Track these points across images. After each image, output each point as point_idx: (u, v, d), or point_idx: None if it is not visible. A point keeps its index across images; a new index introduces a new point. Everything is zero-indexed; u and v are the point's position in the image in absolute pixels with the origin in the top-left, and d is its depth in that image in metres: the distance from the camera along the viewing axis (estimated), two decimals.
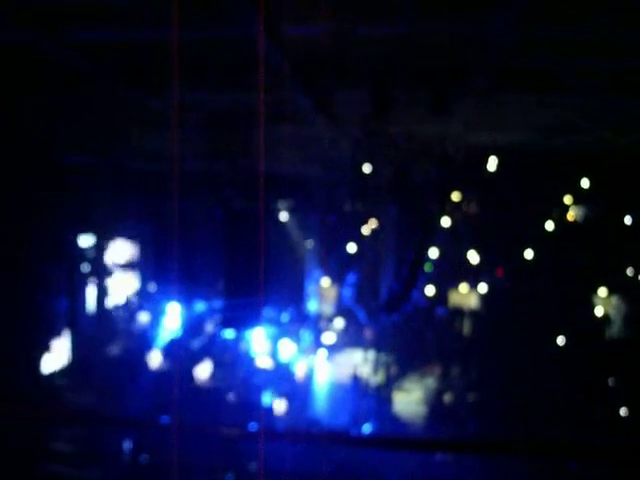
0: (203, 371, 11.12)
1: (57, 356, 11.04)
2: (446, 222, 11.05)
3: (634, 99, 6.98)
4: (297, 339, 12.03)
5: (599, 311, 11.31)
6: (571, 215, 11.35)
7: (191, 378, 10.90)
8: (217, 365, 11.47)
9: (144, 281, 13.15)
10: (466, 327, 12.21)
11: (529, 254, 11.17)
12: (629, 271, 10.98)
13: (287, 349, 11.75)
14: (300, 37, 5.30)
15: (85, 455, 7.86)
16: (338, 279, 12.54)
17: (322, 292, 12.83)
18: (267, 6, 4.20)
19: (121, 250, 12.89)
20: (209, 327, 12.18)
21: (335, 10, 4.66)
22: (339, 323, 12.60)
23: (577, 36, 5.35)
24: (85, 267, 12.08)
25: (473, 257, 11.47)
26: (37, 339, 10.61)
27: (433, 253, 11.26)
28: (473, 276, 11.72)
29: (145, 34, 5.29)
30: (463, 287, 11.92)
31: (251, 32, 4.82)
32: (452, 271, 11.70)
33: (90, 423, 7.59)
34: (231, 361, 11.61)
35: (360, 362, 11.92)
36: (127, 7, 4.72)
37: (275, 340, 11.79)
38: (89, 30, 5.25)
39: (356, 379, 11.64)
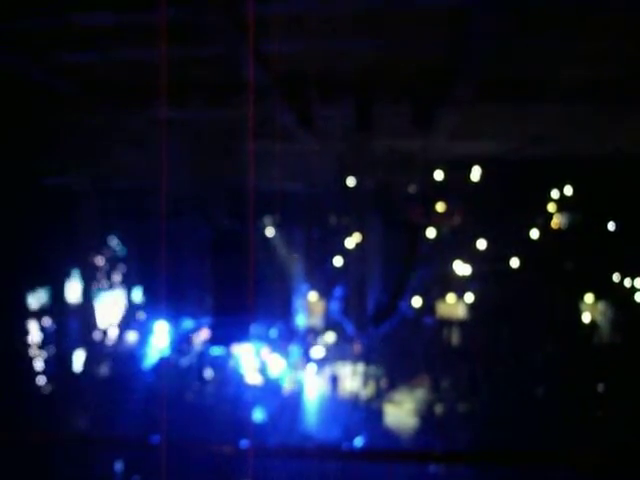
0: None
1: (44, 378, 10.97)
2: (431, 233, 11.08)
3: (615, 107, 7.06)
4: (286, 354, 12.01)
5: (586, 317, 11.37)
6: (555, 223, 11.42)
7: (180, 396, 10.85)
8: (207, 382, 11.43)
9: (132, 300, 13.10)
10: (454, 337, 12.23)
11: (515, 263, 11.21)
12: (615, 277, 11.05)
13: (276, 364, 11.72)
14: (284, 55, 5.32)
15: (77, 477, 7.81)
16: (326, 293, 12.54)
17: (310, 306, 12.81)
18: (250, 24, 4.22)
19: (108, 270, 12.84)
20: (198, 345, 12.14)
21: (317, 27, 4.69)
22: (328, 337, 12.59)
23: (557, 46, 5.40)
24: (72, 287, 12.03)
25: (459, 267, 11.51)
26: (22, 361, 10.54)
27: (419, 264, 11.29)
28: (460, 286, 11.75)
29: (127, 54, 5.30)
30: (450, 297, 11.94)
31: (234, 50, 4.84)
32: (439, 282, 11.73)
33: (80, 444, 7.53)
34: (220, 378, 11.57)
35: (350, 375, 11.90)
36: (109, 28, 4.73)
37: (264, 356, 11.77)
38: (72, 52, 5.25)
39: (345, 392, 11.63)
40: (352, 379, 11.87)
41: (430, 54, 5.67)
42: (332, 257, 11.89)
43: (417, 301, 11.68)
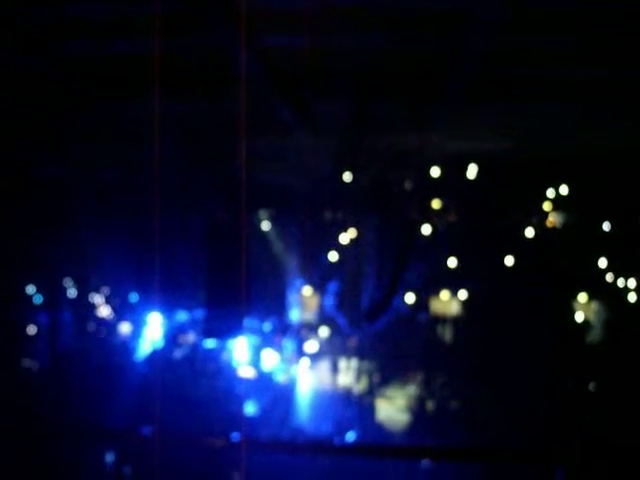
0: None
1: (37, 369, 10.98)
2: (426, 230, 11.09)
3: (611, 107, 7.07)
4: (279, 348, 12.01)
5: (579, 316, 11.39)
6: (550, 222, 11.43)
7: (173, 388, 10.85)
8: (199, 375, 11.43)
9: (124, 292, 13.07)
10: (447, 334, 12.25)
11: (509, 261, 11.22)
12: (608, 277, 11.07)
13: (269, 358, 11.73)
14: (280, 48, 5.33)
15: (66, 467, 7.81)
16: (320, 288, 12.53)
17: (304, 301, 12.81)
18: (246, 17, 4.22)
19: (101, 262, 12.81)
20: (191, 337, 12.14)
21: (314, 21, 4.69)
22: (322, 331, 12.60)
23: (553, 45, 5.41)
24: (65, 280, 12.03)
25: (454, 264, 11.51)
26: (16, 353, 10.54)
27: (414, 261, 11.29)
28: (454, 283, 11.76)
29: (122, 46, 5.29)
30: (444, 294, 11.95)
31: (230, 43, 4.84)
32: (433, 278, 11.73)
33: (71, 435, 7.54)
34: (213, 371, 11.58)
35: (343, 370, 11.92)
36: (103, 19, 4.72)
37: (257, 349, 11.77)
38: (65, 43, 5.24)
39: (337, 387, 11.65)
40: (345, 374, 11.89)
41: (427, 51, 5.68)
42: (327, 252, 11.88)
43: (411, 297, 11.69)
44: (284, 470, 6.82)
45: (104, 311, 12.79)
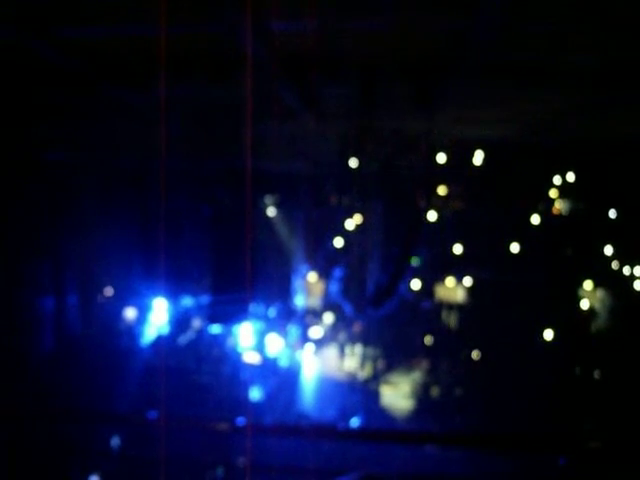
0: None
1: (42, 353, 11.02)
2: (432, 216, 11.08)
3: (618, 94, 7.03)
4: (284, 334, 12.04)
5: (585, 304, 11.38)
6: (556, 209, 11.41)
7: (178, 373, 10.90)
8: (204, 360, 11.47)
9: (130, 277, 13.09)
10: (452, 321, 12.26)
11: (515, 248, 11.22)
12: (614, 264, 11.05)
13: (274, 344, 11.76)
14: (286, 33, 5.29)
15: (73, 451, 7.86)
16: (325, 274, 12.55)
17: (309, 287, 12.83)
18: (253, 1, 4.20)
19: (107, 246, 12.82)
20: (196, 322, 12.17)
21: (321, 5, 4.66)
22: (326, 317, 12.62)
23: (562, 31, 5.37)
24: (72, 263, 12.05)
25: (459, 251, 11.51)
26: (21, 336, 10.58)
27: (419, 247, 11.29)
28: (459, 270, 11.76)
29: (128, 30, 5.27)
30: (449, 281, 11.96)
31: (237, 28, 4.82)
32: (439, 265, 11.74)
33: (77, 419, 7.57)
34: (218, 356, 11.62)
35: (347, 356, 11.95)
36: (110, 3, 4.70)
37: (262, 335, 11.80)
38: (72, 27, 5.22)
39: (342, 373, 11.68)
40: (350, 360, 11.91)
41: (435, 36, 5.64)
42: (332, 238, 11.89)
43: (416, 284, 11.70)
44: (288, 454, 6.85)
45: (109, 293, 12.83)
